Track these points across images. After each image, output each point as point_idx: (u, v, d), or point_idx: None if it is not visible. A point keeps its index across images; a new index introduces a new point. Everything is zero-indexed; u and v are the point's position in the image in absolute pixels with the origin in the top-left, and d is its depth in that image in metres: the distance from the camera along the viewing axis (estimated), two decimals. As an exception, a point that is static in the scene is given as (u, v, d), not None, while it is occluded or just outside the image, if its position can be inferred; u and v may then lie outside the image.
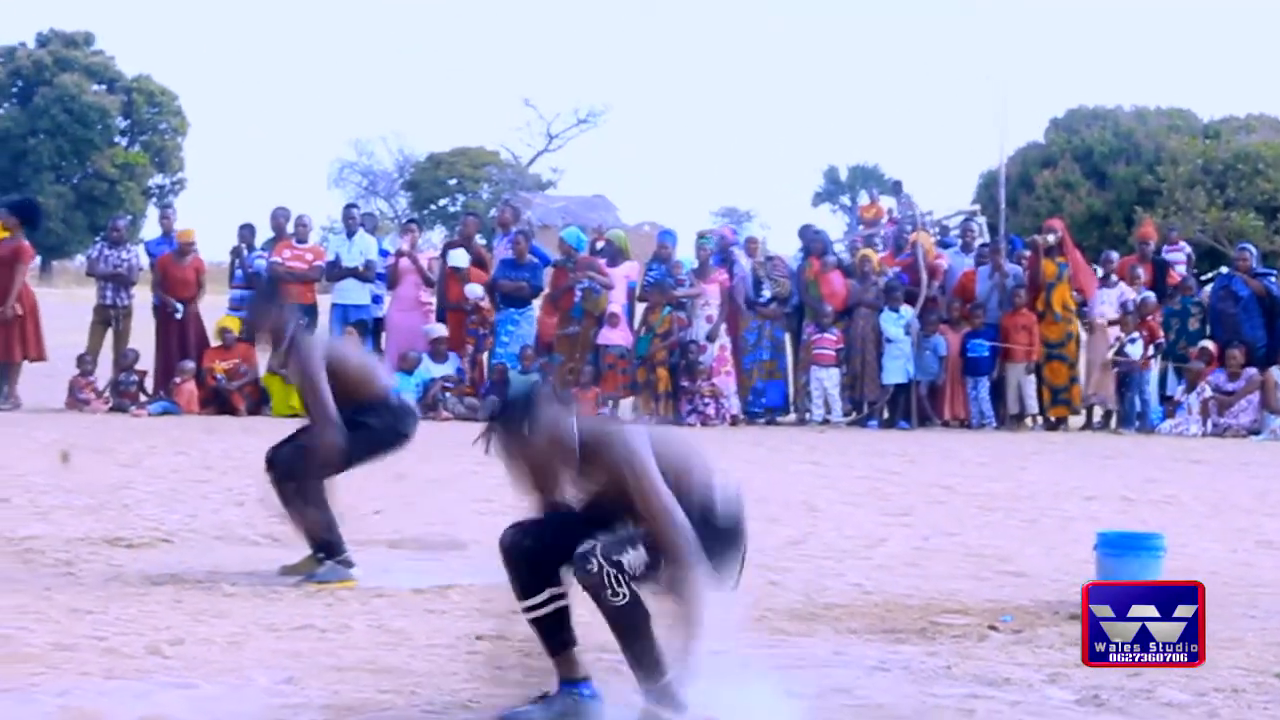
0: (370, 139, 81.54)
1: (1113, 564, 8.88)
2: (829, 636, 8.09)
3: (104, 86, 67.37)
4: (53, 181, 64.55)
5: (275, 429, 18.50)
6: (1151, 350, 20.80)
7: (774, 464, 16.40)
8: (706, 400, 20.56)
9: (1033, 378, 20.83)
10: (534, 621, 6.23)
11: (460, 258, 21.05)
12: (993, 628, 8.24)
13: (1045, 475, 15.60)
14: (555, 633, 6.23)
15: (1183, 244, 23.71)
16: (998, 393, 20.96)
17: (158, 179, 69.38)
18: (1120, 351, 20.68)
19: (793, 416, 21.30)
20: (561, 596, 6.21)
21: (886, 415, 21.06)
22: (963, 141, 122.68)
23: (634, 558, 5.98)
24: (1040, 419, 21.15)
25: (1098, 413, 21.32)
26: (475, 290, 20.90)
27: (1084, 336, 21.25)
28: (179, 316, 20.88)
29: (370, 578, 9.07)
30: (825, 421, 20.75)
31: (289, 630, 7.94)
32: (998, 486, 14.62)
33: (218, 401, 20.52)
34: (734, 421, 20.71)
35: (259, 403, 20.74)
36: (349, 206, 23.81)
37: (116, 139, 67.43)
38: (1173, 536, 9.73)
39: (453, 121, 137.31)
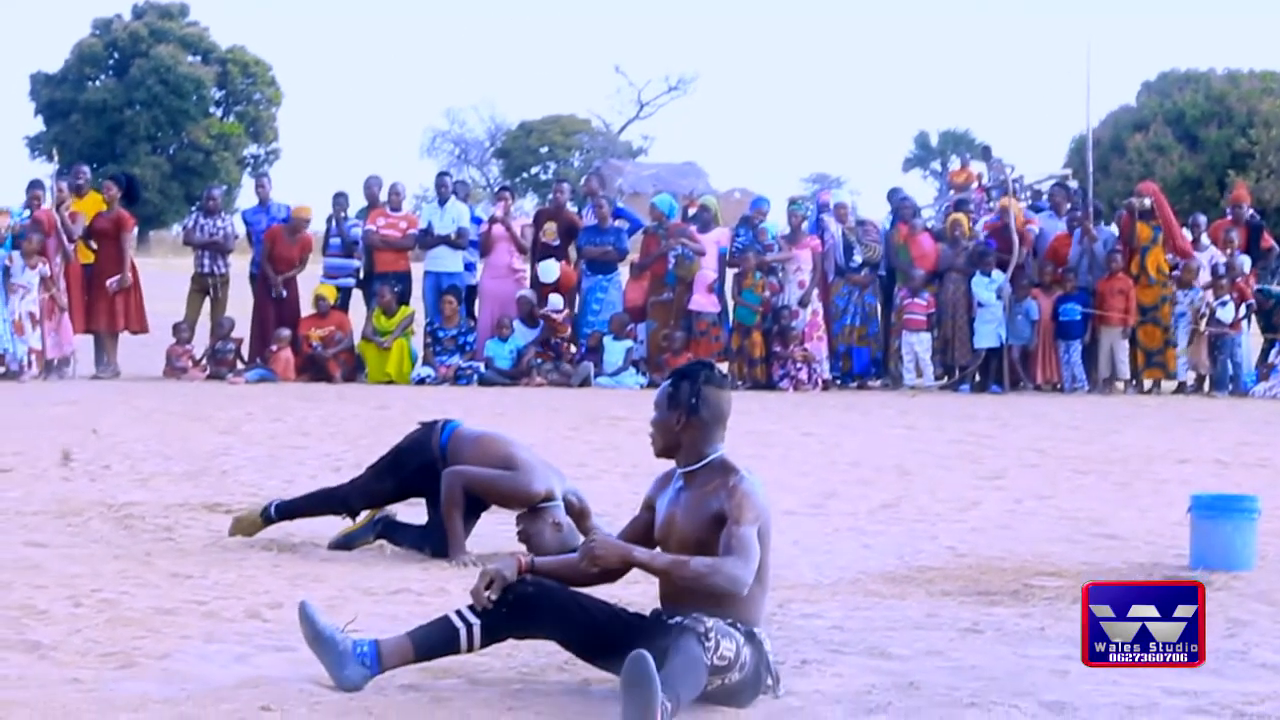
0: (462, 107, 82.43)
1: (1207, 526, 8.89)
2: (922, 599, 8.12)
3: (199, 58, 67.68)
4: (149, 153, 64.95)
5: (370, 396, 18.77)
6: (1243, 311, 20.63)
7: (866, 428, 16.42)
8: (799, 365, 20.59)
9: (1126, 342, 20.71)
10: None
11: (549, 271, 21.08)
12: (1086, 590, 8.24)
13: (1138, 439, 15.53)
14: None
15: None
16: (1090, 356, 20.87)
17: (252, 149, 69.72)
18: (1212, 317, 20.53)
19: (880, 381, 21.27)
20: None
21: (978, 379, 21.01)
22: (1054, 106, 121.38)
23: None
24: (1133, 383, 21.03)
25: (1191, 376, 21.18)
26: (556, 302, 20.96)
27: (1179, 298, 21.08)
28: (274, 296, 21.06)
29: (467, 542, 9.12)
30: (914, 388, 20.73)
31: (385, 594, 8.04)
32: (1091, 450, 14.57)
33: (313, 368, 20.70)
34: (825, 386, 20.73)
35: (354, 369, 20.92)
36: (441, 174, 23.88)
37: (211, 110, 67.76)
38: (1267, 499, 9.70)
39: (544, 89, 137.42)
